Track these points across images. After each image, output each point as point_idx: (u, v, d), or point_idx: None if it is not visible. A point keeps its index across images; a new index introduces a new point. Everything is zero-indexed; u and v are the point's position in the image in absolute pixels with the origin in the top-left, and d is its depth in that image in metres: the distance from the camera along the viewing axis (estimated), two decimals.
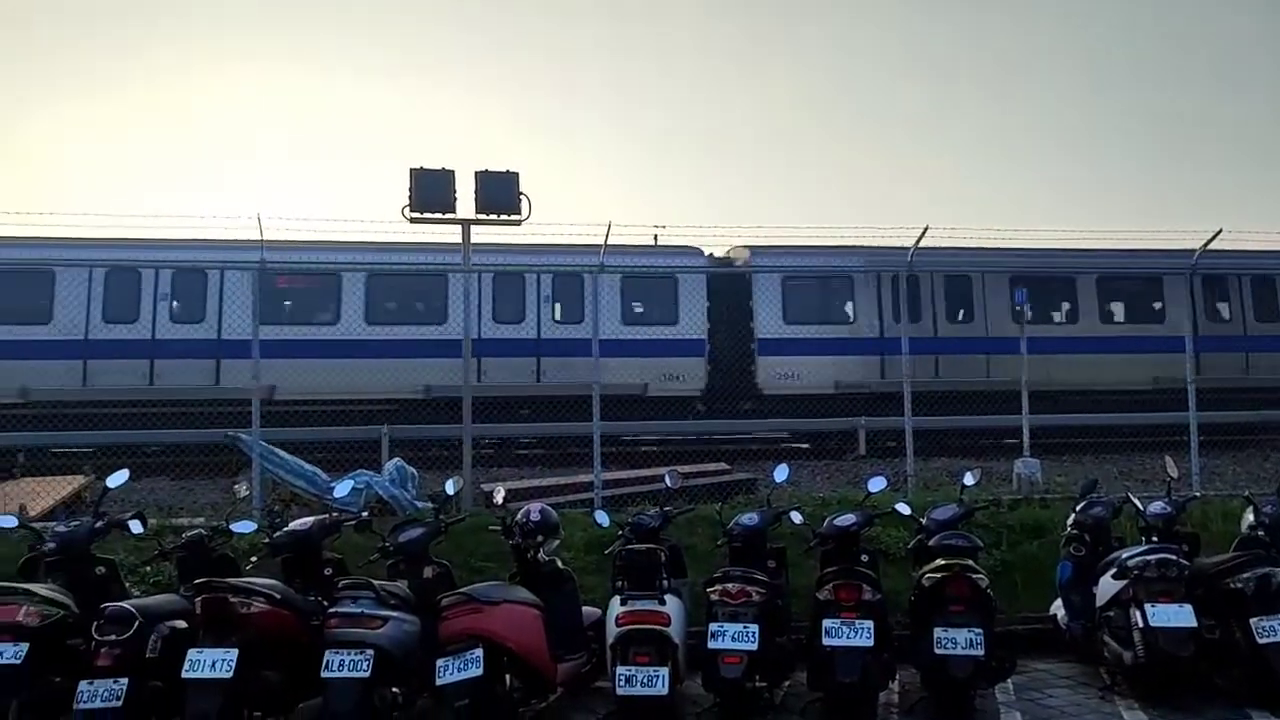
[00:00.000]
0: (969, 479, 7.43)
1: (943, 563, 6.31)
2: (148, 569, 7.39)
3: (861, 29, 66.24)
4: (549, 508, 6.84)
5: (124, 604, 5.61)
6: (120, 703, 5.24)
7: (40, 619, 5.49)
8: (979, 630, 5.96)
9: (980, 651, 5.91)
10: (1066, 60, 65.45)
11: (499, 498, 7.23)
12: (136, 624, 5.44)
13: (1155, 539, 6.86)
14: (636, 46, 64.87)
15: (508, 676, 5.87)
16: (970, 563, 6.35)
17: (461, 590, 5.93)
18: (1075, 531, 7.31)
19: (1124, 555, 6.55)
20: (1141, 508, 7.21)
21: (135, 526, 6.65)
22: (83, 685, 5.27)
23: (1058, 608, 7.43)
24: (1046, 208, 64.79)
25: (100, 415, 12.97)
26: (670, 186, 66.96)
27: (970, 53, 66.10)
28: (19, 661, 5.31)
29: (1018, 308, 14.93)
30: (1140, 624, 6.16)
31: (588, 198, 66.04)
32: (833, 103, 67.12)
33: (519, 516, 6.67)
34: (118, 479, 6.69)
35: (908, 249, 13.97)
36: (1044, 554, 8.35)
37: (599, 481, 10.38)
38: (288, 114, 63.95)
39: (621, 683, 5.74)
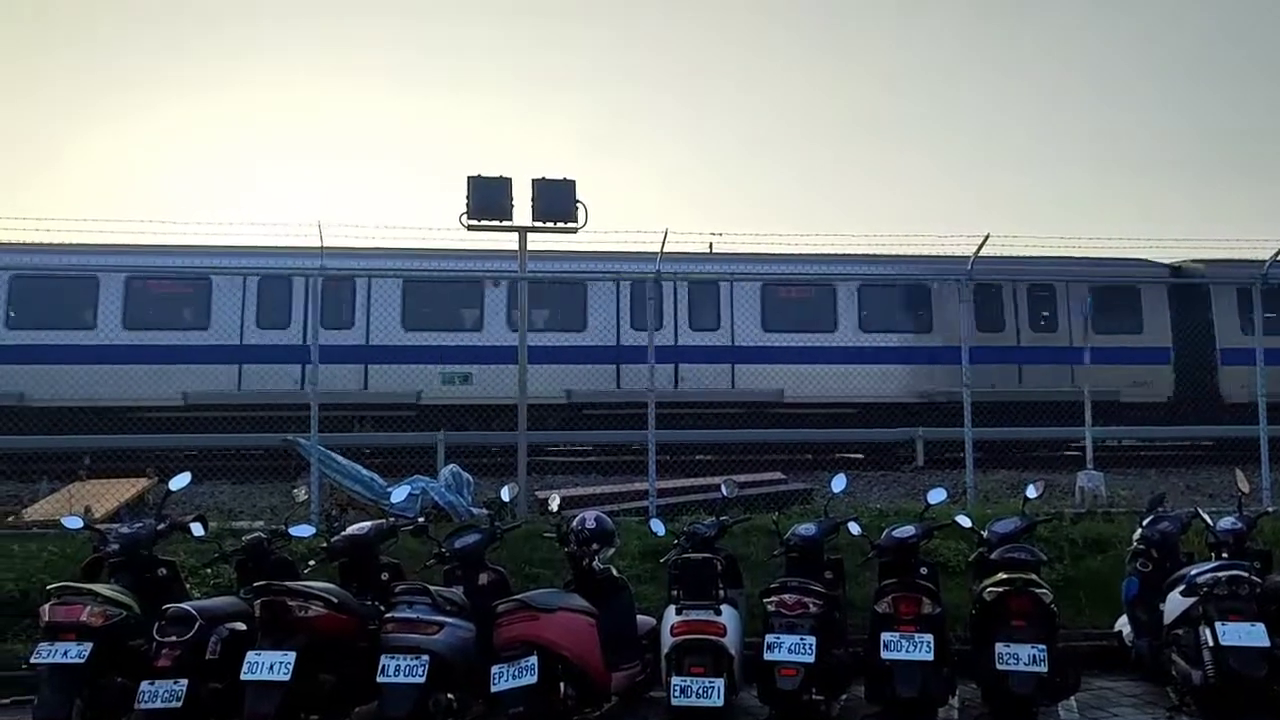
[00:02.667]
0: (1031, 491, 7.27)
1: (1004, 576, 6.17)
2: (208, 571, 7.49)
3: (916, 33, 65.65)
4: (604, 515, 6.81)
5: (184, 605, 5.70)
6: (180, 703, 5.33)
7: (104, 619, 5.56)
8: (1042, 646, 5.81)
9: (1043, 668, 5.77)
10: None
11: (554, 505, 7.21)
12: (197, 625, 5.52)
13: (1225, 555, 6.66)
14: (692, 55, 64.86)
15: (562, 684, 5.84)
16: (1033, 577, 6.20)
17: (517, 597, 5.92)
18: (1142, 547, 7.12)
19: (1193, 571, 6.36)
20: (1211, 523, 7.02)
21: (197, 529, 6.74)
22: (144, 685, 5.36)
23: (1123, 624, 7.26)
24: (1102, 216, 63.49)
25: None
26: (725, 193, 66.75)
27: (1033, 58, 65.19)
28: (83, 661, 5.39)
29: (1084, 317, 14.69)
30: (1210, 642, 5.96)
31: (643, 205, 66.01)
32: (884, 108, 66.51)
33: (574, 524, 6.65)
34: (180, 482, 6.77)
35: (967, 258, 13.77)
36: (1108, 569, 8.17)
37: (654, 490, 10.34)
38: (347, 124, 64.80)
39: (676, 693, 5.68)
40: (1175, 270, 18.86)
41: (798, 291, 17.94)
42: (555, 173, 10.88)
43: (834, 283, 17.73)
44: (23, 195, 62.73)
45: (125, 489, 11.28)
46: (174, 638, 5.48)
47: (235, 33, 62.56)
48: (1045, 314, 18.34)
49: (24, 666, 6.38)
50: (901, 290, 18.32)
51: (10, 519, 10.43)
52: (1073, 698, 6.40)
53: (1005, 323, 18.08)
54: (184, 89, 62.07)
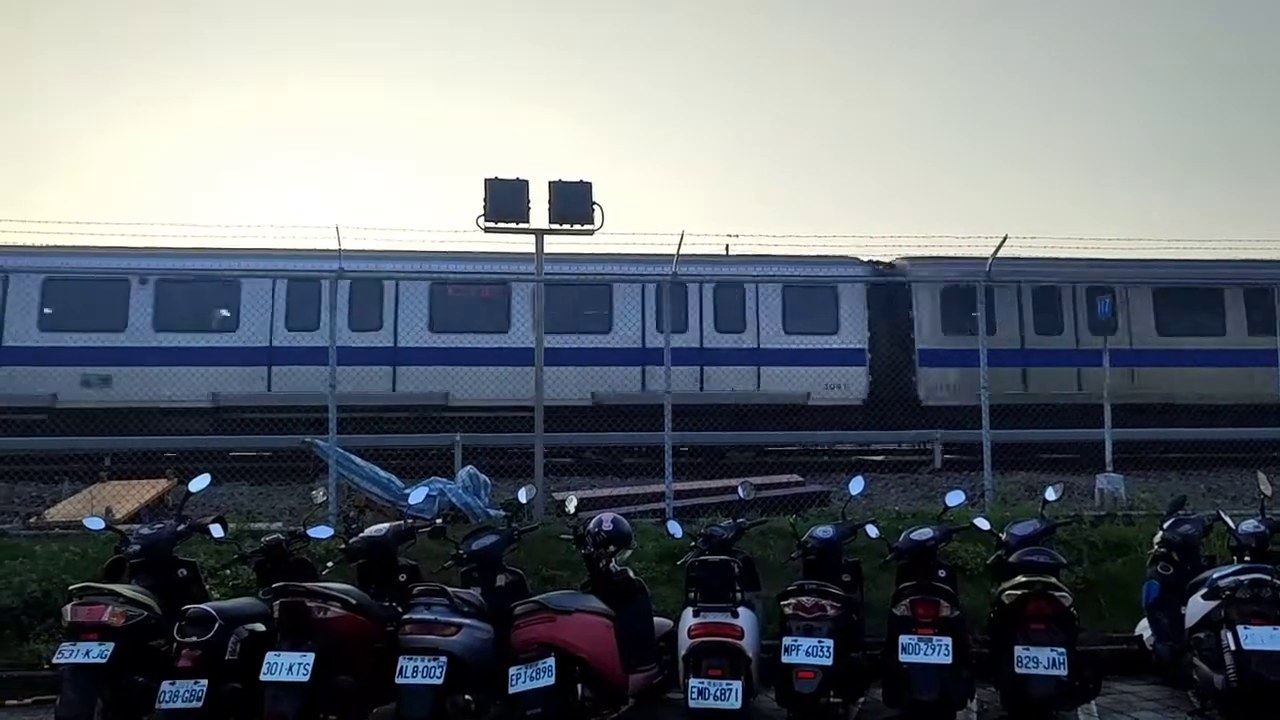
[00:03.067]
0: (1050, 494, 7.24)
1: (1024, 579, 6.14)
2: (227, 572, 7.53)
3: (934, 35, 65.46)
4: (621, 517, 6.81)
5: (204, 606, 5.74)
6: (200, 703, 5.36)
7: (125, 619, 5.60)
8: (1061, 649, 5.79)
9: (1063, 671, 5.75)
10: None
11: (571, 507, 7.21)
12: (216, 626, 5.56)
13: (1248, 558, 6.61)
14: (708, 56, 64.85)
15: (579, 686, 5.85)
16: (1053, 580, 6.17)
17: (534, 599, 5.93)
18: (1163, 550, 7.07)
19: (1215, 575, 6.30)
20: (1233, 526, 6.96)
21: (216, 530, 6.78)
22: (165, 685, 5.40)
23: (1143, 628, 7.21)
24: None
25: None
26: (741, 195, 66.72)
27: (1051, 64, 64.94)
28: (104, 660, 5.42)
29: (1102, 318, 14.64)
30: (1232, 646, 5.90)
31: (659, 207, 66.03)
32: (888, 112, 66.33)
33: (591, 526, 6.66)
34: (200, 483, 6.82)
35: (984, 259, 13.73)
36: (1128, 572, 8.11)
37: (670, 492, 10.34)
38: (361, 125, 65.03)
39: (694, 695, 5.67)
40: (887, 268, 18.68)
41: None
42: (569, 174, 10.89)
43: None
44: (28, 197, 63.21)
45: (145, 490, 11.34)
46: (194, 638, 5.52)
47: (237, 31, 62.83)
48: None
49: (46, 666, 6.47)
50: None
51: (33, 520, 10.52)
52: (1093, 702, 6.37)
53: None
54: (186, 89, 62.32)
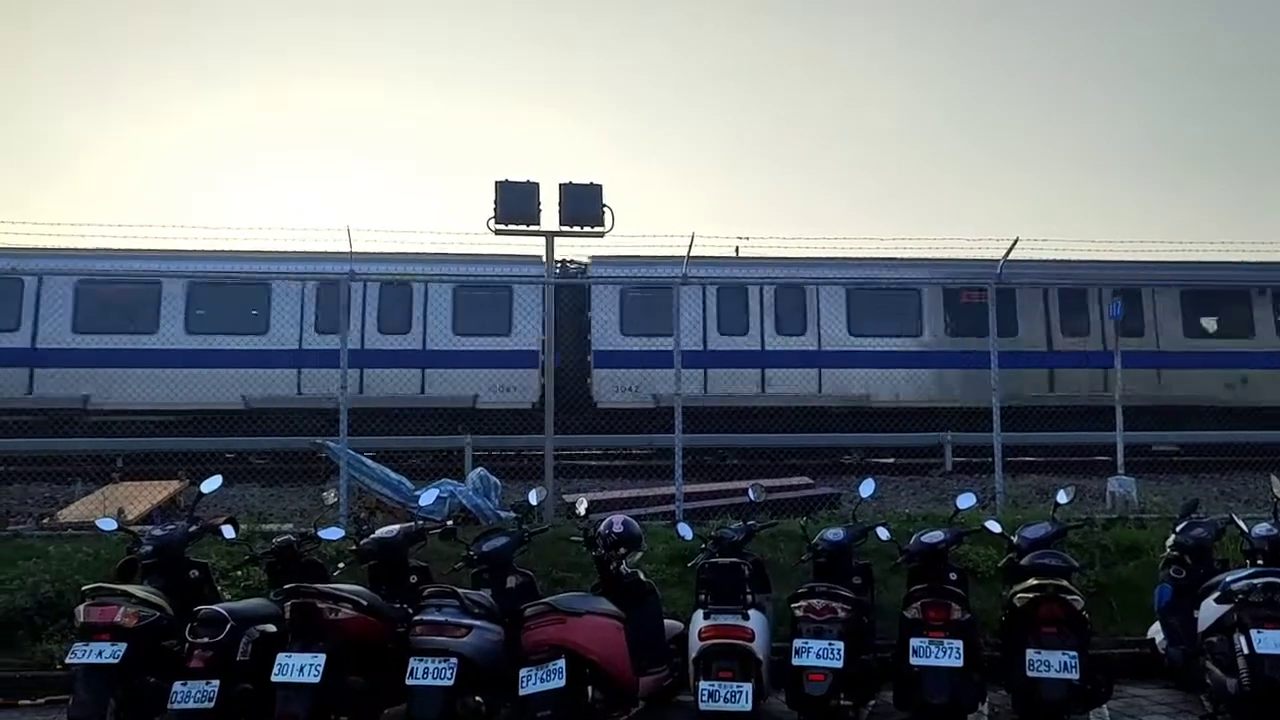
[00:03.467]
0: (1062, 496, 7.22)
1: (1035, 582, 6.13)
2: (239, 573, 7.56)
3: (942, 38, 65.36)
4: (631, 519, 6.81)
5: (216, 607, 5.76)
6: (212, 704, 5.38)
7: (137, 620, 5.62)
8: (1073, 653, 5.76)
9: (1074, 675, 5.72)
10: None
11: (581, 509, 7.22)
12: (228, 627, 5.58)
13: (1261, 562, 6.57)
14: (709, 56, 64.85)
15: (590, 688, 5.85)
16: (1064, 583, 6.16)
17: (544, 600, 5.93)
18: (1175, 553, 7.04)
19: (1228, 578, 6.28)
20: (1246, 529, 6.91)
21: (228, 531, 6.81)
22: (177, 686, 5.43)
23: (1155, 631, 7.19)
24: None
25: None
26: (752, 198, 66.66)
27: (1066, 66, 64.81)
28: (117, 661, 5.44)
29: (1112, 320, 14.58)
30: (1245, 650, 5.87)
31: (670, 209, 66.04)
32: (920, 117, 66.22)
33: (601, 528, 6.65)
34: (211, 484, 6.83)
35: (996, 261, 13.68)
36: (1140, 576, 8.09)
37: (680, 494, 10.34)
38: (360, 125, 65.15)
39: (704, 698, 5.67)
40: (572, 265, 18.39)
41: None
42: (565, 174, 10.95)
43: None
44: (35, 200, 63.51)
45: (157, 491, 11.39)
46: (206, 639, 5.54)
47: (235, 32, 62.90)
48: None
49: (59, 666, 6.50)
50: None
51: (46, 520, 10.56)
52: (1104, 705, 6.34)
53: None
54: (183, 90, 62.52)
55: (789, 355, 17.62)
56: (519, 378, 17.02)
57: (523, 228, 10.93)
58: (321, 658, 5.35)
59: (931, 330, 18.27)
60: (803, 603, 6.05)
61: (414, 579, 6.56)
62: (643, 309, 17.12)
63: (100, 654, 5.45)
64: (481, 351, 16.89)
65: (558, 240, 11.43)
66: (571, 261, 18.15)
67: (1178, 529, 7.19)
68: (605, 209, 10.86)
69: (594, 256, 17.77)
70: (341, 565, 6.85)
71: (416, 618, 5.77)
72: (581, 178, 10.85)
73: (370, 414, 13.70)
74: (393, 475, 10.59)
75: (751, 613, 5.97)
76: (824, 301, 17.69)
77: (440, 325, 17.02)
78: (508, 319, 17.32)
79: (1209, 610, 6.31)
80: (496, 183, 10.79)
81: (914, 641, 5.83)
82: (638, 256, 15.51)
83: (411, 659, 5.55)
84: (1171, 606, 6.92)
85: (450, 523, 7.84)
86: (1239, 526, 7.04)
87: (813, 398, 17.08)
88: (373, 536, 6.72)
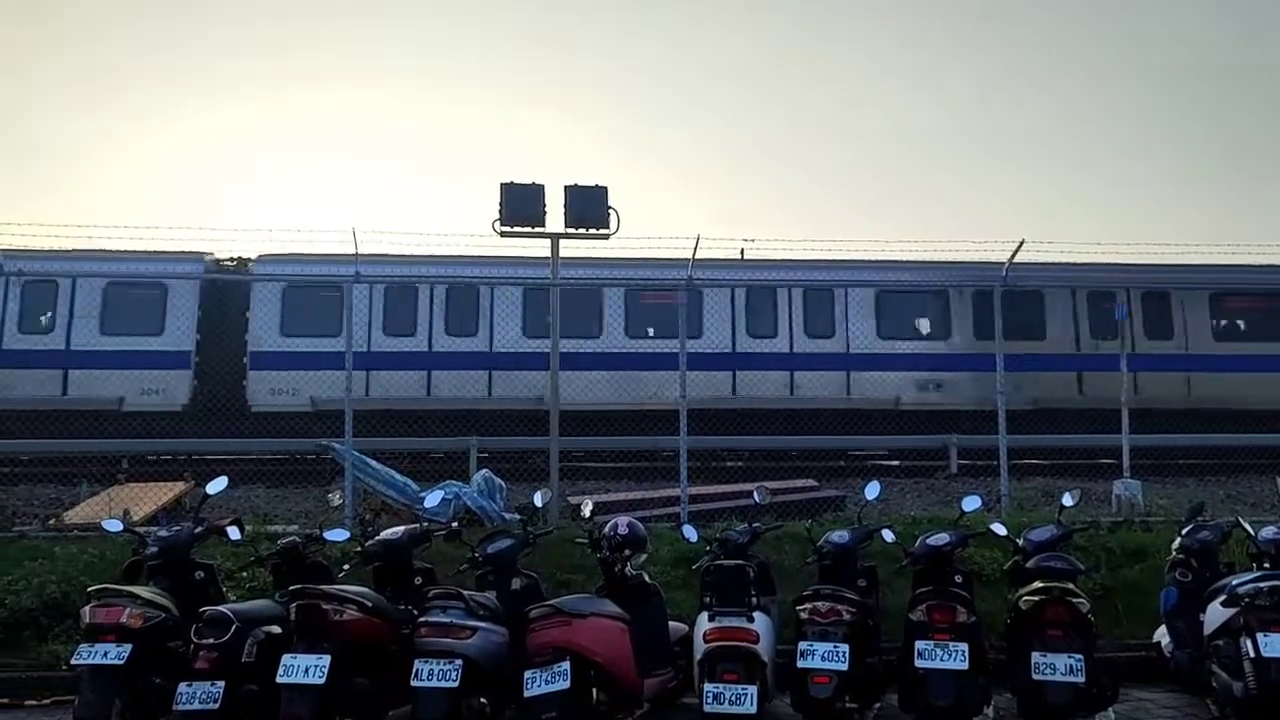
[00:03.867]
0: (1068, 499, 7.21)
1: (1041, 585, 6.11)
2: (244, 574, 7.58)
3: (947, 39, 65.33)
4: (636, 521, 6.81)
5: (221, 608, 5.77)
6: (217, 705, 5.40)
7: (143, 621, 5.64)
8: (1079, 656, 5.75)
9: (1080, 678, 5.70)
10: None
11: (586, 511, 7.22)
12: (233, 628, 5.59)
13: (1267, 565, 6.57)
14: (720, 59, 64.85)
15: (594, 690, 5.84)
16: (1070, 586, 6.14)
17: (549, 602, 5.93)
18: (1181, 556, 7.04)
19: (1234, 582, 6.26)
20: (1252, 532, 6.92)
21: (233, 533, 6.82)
22: (182, 687, 5.44)
23: (1161, 635, 7.17)
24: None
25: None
26: (757, 201, 66.62)
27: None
28: (122, 662, 5.46)
29: (1117, 321, 14.53)
30: (1251, 654, 5.86)
31: (675, 211, 66.01)
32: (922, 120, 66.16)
33: (606, 530, 6.65)
34: (217, 486, 6.85)
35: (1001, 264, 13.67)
36: (1146, 579, 8.08)
37: (685, 496, 10.34)
38: (376, 131, 65.23)
39: (709, 700, 5.67)
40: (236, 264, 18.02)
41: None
42: (581, 178, 10.94)
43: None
44: (42, 203, 63.70)
45: (163, 492, 11.41)
46: (211, 640, 5.56)
47: (233, 34, 63.05)
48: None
49: (65, 667, 6.50)
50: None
51: (51, 521, 10.58)
52: (1110, 709, 6.31)
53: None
54: (182, 94, 62.67)
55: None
56: (170, 379, 16.69)
57: (528, 229, 10.95)
58: (326, 659, 5.36)
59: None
60: (808, 605, 6.05)
61: (419, 581, 6.56)
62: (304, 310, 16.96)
63: (106, 655, 5.47)
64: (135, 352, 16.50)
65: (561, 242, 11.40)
66: (225, 260, 17.78)
67: (1184, 532, 7.19)
68: (611, 211, 10.87)
69: (264, 255, 17.28)
70: (346, 567, 6.86)
71: (421, 619, 5.77)
72: (577, 178, 10.87)
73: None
74: (398, 477, 10.60)
75: (756, 615, 5.98)
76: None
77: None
78: (161, 319, 16.88)
79: (1215, 613, 6.30)
80: (502, 185, 10.80)
81: (919, 644, 5.83)
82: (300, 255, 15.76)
83: (416, 660, 5.56)
84: (1177, 610, 6.92)
85: (455, 524, 7.84)
86: (1245, 529, 7.04)
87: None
88: (378, 538, 6.73)
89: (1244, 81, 65.54)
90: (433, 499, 8.50)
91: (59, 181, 64.59)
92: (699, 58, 64.40)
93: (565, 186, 10.86)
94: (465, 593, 5.89)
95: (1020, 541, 6.81)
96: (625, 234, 11.12)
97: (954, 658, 5.74)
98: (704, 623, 6.01)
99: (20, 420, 14.87)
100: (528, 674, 5.59)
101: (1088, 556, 8.16)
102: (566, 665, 5.56)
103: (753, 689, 5.66)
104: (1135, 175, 67.79)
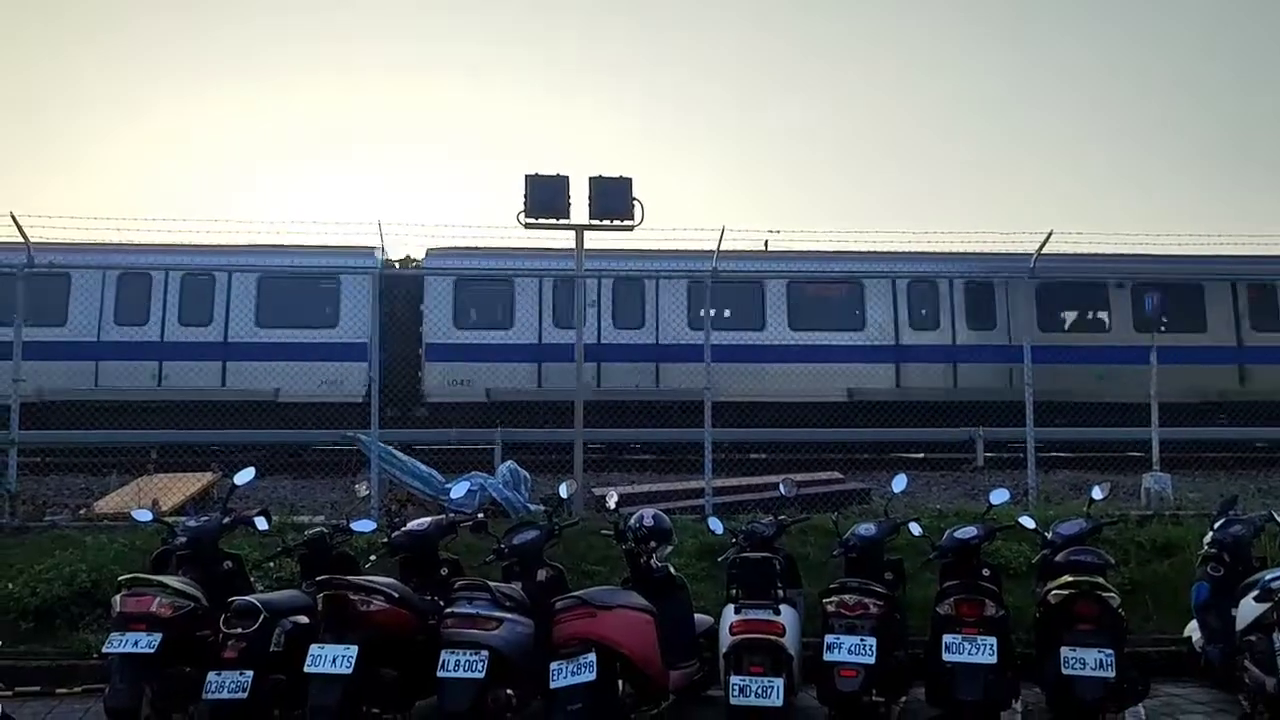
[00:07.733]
0: (1097, 493, 7.13)
1: (1070, 579, 6.06)
2: (271, 565, 7.61)
3: (973, 30, 64.81)
4: (662, 513, 6.80)
5: (250, 598, 5.81)
6: (246, 694, 5.43)
7: (172, 610, 5.68)
8: (1109, 651, 5.69)
9: (1110, 673, 5.65)
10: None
11: (612, 502, 7.22)
12: (261, 618, 5.62)
13: None
14: (745, 51, 64.60)
15: (620, 682, 5.85)
16: (1100, 580, 6.08)
17: (575, 594, 5.93)
18: (1213, 550, 6.96)
19: (1267, 577, 6.18)
20: None
21: (261, 523, 6.85)
22: (211, 676, 5.48)
23: (1192, 630, 7.10)
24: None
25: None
26: (783, 192, 66.31)
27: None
28: (152, 650, 5.50)
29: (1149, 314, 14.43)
30: None
31: (697, 201, 65.82)
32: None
33: (632, 521, 6.65)
34: (244, 477, 6.90)
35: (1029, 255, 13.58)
36: (1176, 573, 8.02)
37: (710, 488, 10.32)
38: (401, 120, 65.34)
39: (735, 693, 5.65)
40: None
41: None
42: (606, 169, 10.89)
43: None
44: (41, 196, 64.22)
45: (191, 483, 11.49)
46: (240, 630, 5.59)
47: (240, 30, 63.19)
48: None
49: (95, 656, 6.57)
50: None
51: (82, 511, 10.68)
52: (1141, 704, 6.28)
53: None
54: (196, 87, 62.81)
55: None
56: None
57: (553, 221, 10.94)
58: (354, 649, 5.37)
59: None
60: (834, 598, 6.02)
61: (445, 572, 6.57)
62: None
63: (136, 644, 5.51)
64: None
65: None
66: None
67: (1215, 526, 7.11)
68: (635, 202, 10.84)
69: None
70: (373, 558, 6.88)
71: (447, 610, 5.78)
72: (594, 170, 10.81)
73: None
74: (423, 468, 10.64)
75: (783, 608, 5.95)
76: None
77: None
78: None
79: (1247, 609, 6.23)
80: (526, 177, 10.78)
81: (947, 638, 5.79)
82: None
83: (442, 651, 5.56)
84: (1209, 605, 6.85)
85: (481, 516, 7.85)
86: (1278, 524, 6.95)
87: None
88: (404, 529, 6.75)
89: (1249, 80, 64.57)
90: (458, 490, 8.54)
91: (69, 169, 64.98)
92: (721, 52, 64.21)
93: (590, 178, 10.83)
94: (491, 584, 5.90)
95: (1049, 535, 6.76)
96: (650, 224, 11.10)
97: (982, 652, 5.69)
98: (730, 615, 5.99)
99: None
100: (553, 665, 5.59)
101: (1117, 550, 8.09)
102: (592, 657, 5.55)
103: (779, 682, 5.63)
104: (1152, 169, 67.05)
